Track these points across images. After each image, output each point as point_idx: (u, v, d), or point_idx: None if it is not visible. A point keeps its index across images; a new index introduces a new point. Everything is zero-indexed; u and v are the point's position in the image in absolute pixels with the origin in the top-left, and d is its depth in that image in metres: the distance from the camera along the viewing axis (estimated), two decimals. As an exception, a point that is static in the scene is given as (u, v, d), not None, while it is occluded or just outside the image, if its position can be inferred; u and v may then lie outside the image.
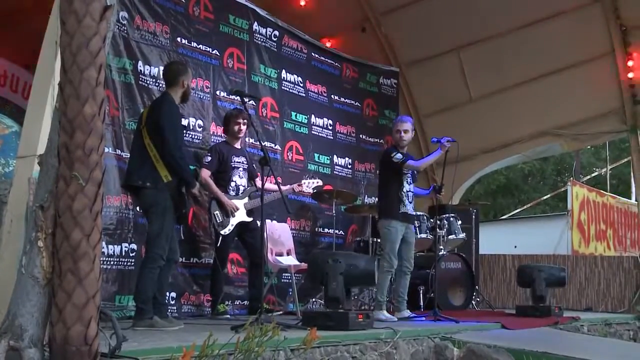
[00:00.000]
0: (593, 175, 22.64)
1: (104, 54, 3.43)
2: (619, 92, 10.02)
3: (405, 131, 7.18)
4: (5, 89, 9.45)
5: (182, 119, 5.83)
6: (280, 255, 7.71)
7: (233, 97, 7.48)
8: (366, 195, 9.64)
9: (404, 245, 7.12)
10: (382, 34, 10.63)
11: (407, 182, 7.17)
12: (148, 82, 6.85)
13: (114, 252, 6.33)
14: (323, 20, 10.10)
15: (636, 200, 11.42)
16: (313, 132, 9.07)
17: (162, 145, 5.49)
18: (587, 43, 9.89)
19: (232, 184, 7.10)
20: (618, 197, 15.89)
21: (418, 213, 8.04)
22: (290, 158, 8.62)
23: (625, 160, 17.62)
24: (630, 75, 9.79)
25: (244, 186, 7.20)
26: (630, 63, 9.74)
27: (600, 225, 14.37)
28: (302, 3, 10.16)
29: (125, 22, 6.61)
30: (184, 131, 6.71)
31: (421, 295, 8.26)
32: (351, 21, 10.50)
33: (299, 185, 7.60)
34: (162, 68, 6.64)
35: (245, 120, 7.07)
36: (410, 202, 7.23)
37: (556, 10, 9.69)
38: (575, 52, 9.98)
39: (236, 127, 7.10)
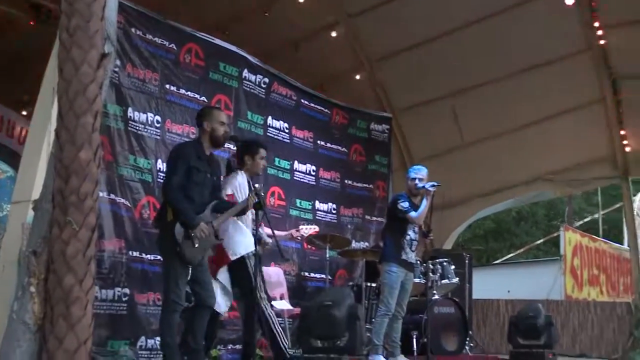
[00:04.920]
0: (585, 220, 22.68)
1: (100, 100, 3.47)
2: (610, 139, 10.11)
3: (421, 179, 7.19)
4: (1, 134, 9.47)
5: (198, 161, 5.58)
6: (275, 299, 7.66)
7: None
8: (354, 240, 9.59)
9: (401, 292, 7.10)
10: (376, 81, 10.73)
11: (412, 230, 7.17)
12: (138, 127, 6.87)
13: (106, 296, 6.28)
14: (317, 66, 10.17)
15: (628, 246, 11.41)
16: (295, 177, 9.01)
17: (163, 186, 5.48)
18: (578, 91, 10.01)
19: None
20: (610, 242, 15.93)
21: (413, 258, 8.03)
22: (272, 203, 8.54)
23: (617, 205, 17.67)
24: (620, 122, 9.89)
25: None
26: (620, 110, 9.84)
27: (593, 270, 14.38)
28: (298, 51, 10.21)
29: (117, 69, 6.65)
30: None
31: (414, 340, 8.18)
32: (345, 67, 10.60)
33: (297, 230, 7.58)
34: (150, 115, 6.69)
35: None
36: (413, 251, 7.21)
37: (547, 58, 9.80)
38: (566, 100, 10.09)
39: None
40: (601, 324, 10.01)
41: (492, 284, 13.63)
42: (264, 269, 7.55)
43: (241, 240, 6.19)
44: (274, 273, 7.96)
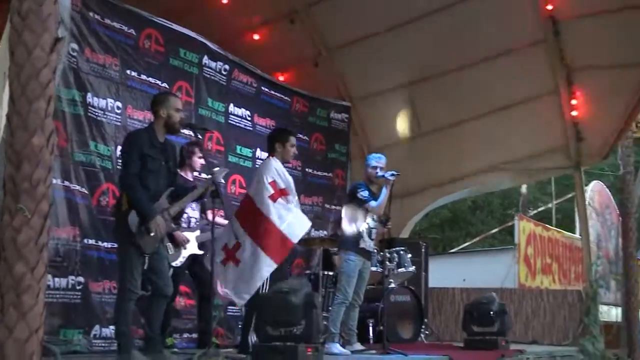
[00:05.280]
0: (539, 209, 23.04)
1: (53, 85, 3.40)
2: (563, 129, 10.25)
3: (382, 168, 7.20)
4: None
5: (152, 149, 5.47)
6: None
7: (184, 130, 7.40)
8: (313, 229, 9.60)
9: (359, 280, 7.12)
10: (336, 69, 10.71)
11: (371, 218, 7.18)
12: (97, 114, 6.78)
13: (60, 285, 6.19)
14: (276, 54, 10.13)
15: (580, 235, 11.63)
16: (257, 165, 8.92)
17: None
18: (533, 81, 10.10)
19: (184, 215, 7.02)
20: (563, 231, 16.21)
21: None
22: (233, 191, 8.54)
23: (570, 195, 17.98)
24: (574, 113, 10.03)
25: (195, 219, 7.13)
26: (573, 102, 9.97)
27: (546, 259, 14.63)
28: (256, 37, 10.17)
29: (75, 53, 6.53)
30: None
31: (371, 328, 8.24)
32: (304, 56, 10.57)
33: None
34: (110, 100, 6.58)
35: (203, 155, 7.03)
36: (372, 239, 7.24)
37: (504, 49, 9.87)
38: (522, 90, 10.18)
39: (197, 160, 7.00)
40: (553, 311, 10.20)
41: (447, 273, 13.76)
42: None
43: (295, 222, 6.27)
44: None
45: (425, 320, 9.30)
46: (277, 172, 6.38)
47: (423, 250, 9.81)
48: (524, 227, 14.11)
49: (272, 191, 6.27)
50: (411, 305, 8.80)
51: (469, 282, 13.21)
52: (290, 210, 6.30)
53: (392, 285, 8.60)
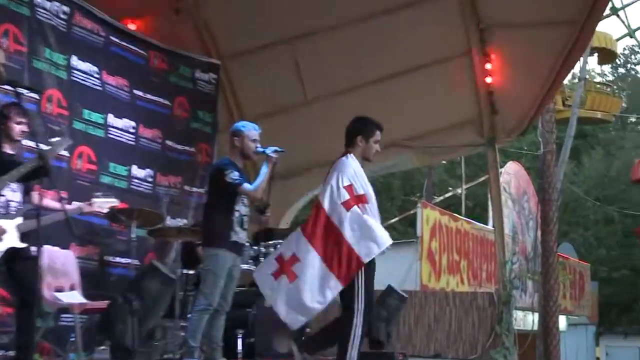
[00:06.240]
0: (447, 195, 23.68)
1: None
2: (476, 99, 10.49)
3: (255, 141, 7.13)
4: None
5: None
6: (61, 290, 7.45)
7: (7, 88, 7.14)
8: (169, 216, 9.51)
9: (227, 281, 7.07)
10: (201, 18, 10.57)
11: (242, 203, 7.12)
12: None
13: None
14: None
15: (493, 226, 11.95)
16: (110, 135, 8.91)
17: None
18: (442, 41, 10.29)
19: (2, 199, 6.77)
20: (473, 222, 16.70)
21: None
22: (79, 167, 8.41)
23: (483, 178, 18.54)
24: (488, 80, 10.26)
25: (17, 202, 6.87)
26: (488, 66, 10.21)
27: (454, 255, 15.03)
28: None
29: None
30: None
31: (239, 340, 8.21)
32: (162, 0, 10.37)
33: (89, 204, 7.35)
34: None
35: (26, 120, 6.77)
36: (245, 229, 7.18)
37: (406, 1, 10.00)
38: (427, 51, 10.36)
39: (14, 127, 6.74)
40: (460, 318, 10.44)
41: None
42: (48, 251, 7.31)
43: (371, 238, 6.15)
44: (61, 256, 7.74)
45: (307, 330, 9.35)
46: (355, 174, 6.33)
47: (306, 244, 9.83)
48: (427, 216, 14.44)
49: (347, 197, 6.23)
50: (290, 312, 8.82)
51: (361, 283, 13.42)
52: (366, 224, 6.20)
53: (268, 287, 8.59)
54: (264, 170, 7.01)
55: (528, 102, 10.31)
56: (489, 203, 14.55)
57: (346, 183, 6.28)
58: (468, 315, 10.42)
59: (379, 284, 11.78)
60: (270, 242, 8.71)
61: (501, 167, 13.44)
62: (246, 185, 6.98)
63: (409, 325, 10.39)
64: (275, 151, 7.05)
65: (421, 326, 10.44)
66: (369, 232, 6.20)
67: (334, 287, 6.16)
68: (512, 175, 16.08)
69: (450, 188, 24.44)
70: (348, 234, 6.15)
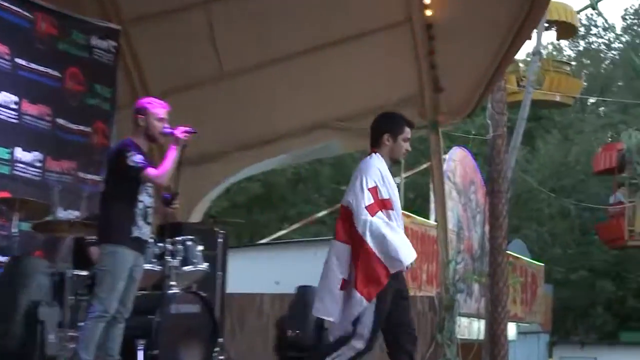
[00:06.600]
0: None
1: None
2: (417, 75, 10.55)
3: (162, 120, 7.06)
4: None
5: None
6: None
7: None
8: (61, 208, 9.40)
9: (127, 283, 7.06)
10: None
11: (147, 193, 7.06)
12: None
13: None
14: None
15: (436, 221, 12.05)
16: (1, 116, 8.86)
17: None
18: (378, 6, 10.32)
19: None
20: (413, 215, 16.79)
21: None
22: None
23: (424, 166, 18.66)
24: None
25: None
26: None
27: (390, 253, 15.07)
28: None
29: None
30: None
31: (140, 352, 8.15)
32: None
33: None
34: None
35: None
36: (149, 223, 7.15)
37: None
38: (362, 19, 10.40)
39: None
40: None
41: (254, 272, 13.94)
42: None
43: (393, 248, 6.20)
44: None
45: (221, 340, 9.34)
46: (380, 175, 6.37)
47: (220, 240, 9.81)
48: (361, 209, 14.45)
49: (371, 200, 6.26)
50: (200, 319, 8.78)
51: (284, 285, 13.42)
52: (393, 231, 6.25)
53: (175, 290, 8.55)
54: (172, 154, 6.96)
55: (476, 79, 10.42)
56: (431, 194, 14.71)
57: (371, 184, 6.34)
58: (406, 322, 10.48)
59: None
60: (178, 239, 8.66)
61: (445, 152, 13.56)
62: (151, 170, 6.92)
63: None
64: (186, 132, 7.00)
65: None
66: (392, 243, 6.26)
67: (360, 305, 6.23)
68: (457, 162, 16.18)
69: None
70: (372, 243, 6.21)
